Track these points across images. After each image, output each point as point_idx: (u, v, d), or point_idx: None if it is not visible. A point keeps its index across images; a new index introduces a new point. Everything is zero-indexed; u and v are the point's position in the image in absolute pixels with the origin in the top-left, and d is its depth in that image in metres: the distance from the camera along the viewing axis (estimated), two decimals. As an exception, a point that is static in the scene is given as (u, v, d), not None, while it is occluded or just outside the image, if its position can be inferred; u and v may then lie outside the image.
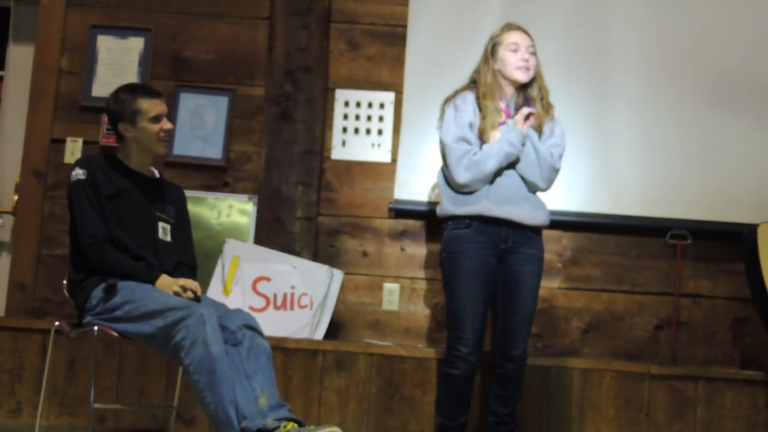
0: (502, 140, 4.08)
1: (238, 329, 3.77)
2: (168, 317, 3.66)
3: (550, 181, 4.20)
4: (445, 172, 4.17)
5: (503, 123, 4.15)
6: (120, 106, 4.04)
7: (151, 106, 4.04)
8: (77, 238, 3.95)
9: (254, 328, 3.81)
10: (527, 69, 4.16)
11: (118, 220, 3.96)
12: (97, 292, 3.86)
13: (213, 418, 3.60)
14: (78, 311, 3.96)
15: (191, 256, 4.20)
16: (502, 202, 4.10)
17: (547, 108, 4.21)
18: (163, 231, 4.10)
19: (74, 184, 3.97)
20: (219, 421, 3.59)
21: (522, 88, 4.21)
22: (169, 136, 4.14)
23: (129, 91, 4.09)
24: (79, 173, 3.98)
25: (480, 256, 4.09)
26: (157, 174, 4.23)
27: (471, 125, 4.13)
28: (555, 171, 4.19)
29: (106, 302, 3.82)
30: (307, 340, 4.65)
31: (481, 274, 4.08)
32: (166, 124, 4.07)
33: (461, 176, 4.08)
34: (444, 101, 4.25)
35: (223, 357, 3.62)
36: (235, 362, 3.69)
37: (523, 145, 4.11)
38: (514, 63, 4.15)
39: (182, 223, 4.23)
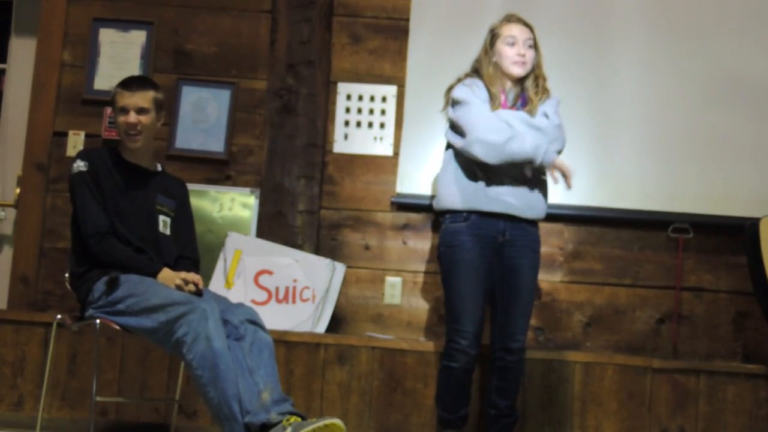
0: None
1: (240, 324, 3.77)
2: (170, 312, 3.66)
3: (562, 141, 4.18)
4: (468, 128, 4.07)
5: None
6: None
7: (120, 98, 4.07)
8: (79, 230, 3.95)
9: (257, 323, 3.81)
10: (523, 63, 4.16)
11: (118, 213, 3.97)
12: (100, 285, 3.86)
13: (216, 413, 3.60)
14: (80, 304, 3.97)
15: (194, 250, 4.21)
16: (500, 196, 4.10)
17: (542, 93, 4.20)
18: (164, 224, 4.10)
19: (76, 176, 3.98)
20: (223, 416, 3.59)
21: (519, 80, 4.21)
22: (135, 130, 4.05)
23: (119, 82, 4.15)
24: (80, 165, 3.99)
25: (478, 249, 4.09)
26: (159, 167, 4.23)
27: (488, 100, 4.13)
28: (559, 128, 4.15)
29: (108, 295, 3.82)
30: (309, 333, 4.65)
31: (480, 267, 4.09)
32: (129, 118, 4.03)
33: (498, 134, 4.02)
34: (447, 89, 4.25)
35: (225, 352, 3.62)
36: (237, 357, 3.69)
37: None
38: (511, 57, 4.15)
39: (184, 217, 4.23)
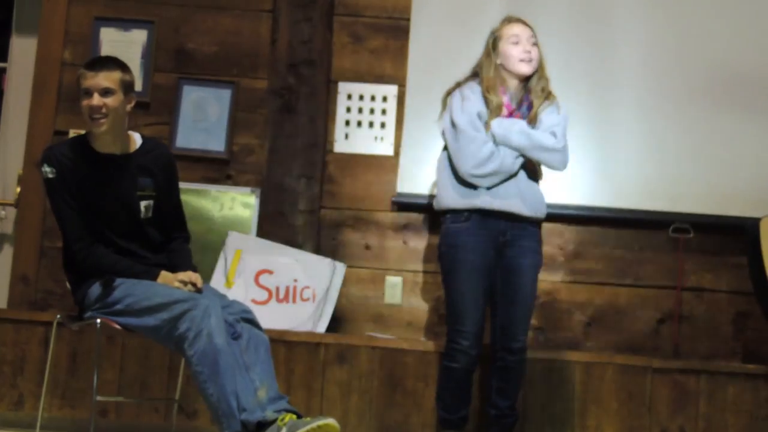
0: (513, 134, 4.08)
1: (236, 322, 3.75)
2: (174, 310, 3.65)
3: (564, 163, 4.19)
4: (455, 161, 4.13)
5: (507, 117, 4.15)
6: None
7: (83, 79, 3.81)
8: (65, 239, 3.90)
9: (252, 321, 3.80)
10: (530, 61, 4.15)
11: (95, 211, 3.85)
12: (95, 290, 3.82)
13: (215, 409, 3.60)
14: (78, 306, 3.95)
15: (182, 227, 4.09)
16: (501, 195, 4.10)
17: (547, 96, 4.19)
18: (146, 210, 3.93)
19: (46, 183, 3.83)
20: (221, 413, 3.58)
21: (525, 79, 4.20)
22: (100, 113, 3.76)
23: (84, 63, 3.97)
24: (47, 171, 3.80)
25: (479, 250, 4.09)
26: (138, 143, 3.95)
27: (479, 115, 4.11)
28: (559, 151, 4.14)
29: (105, 298, 3.80)
30: (310, 333, 4.65)
31: (481, 268, 4.09)
32: (92, 100, 3.76)
33: (482, 167, 4.05)
34: (446, 94, 4.24)
35: (226, 349, 3.61)
36: (234, 354, 3.67)
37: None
38: (517, 56, 4.14)
39: (169, 191, 4.01)
